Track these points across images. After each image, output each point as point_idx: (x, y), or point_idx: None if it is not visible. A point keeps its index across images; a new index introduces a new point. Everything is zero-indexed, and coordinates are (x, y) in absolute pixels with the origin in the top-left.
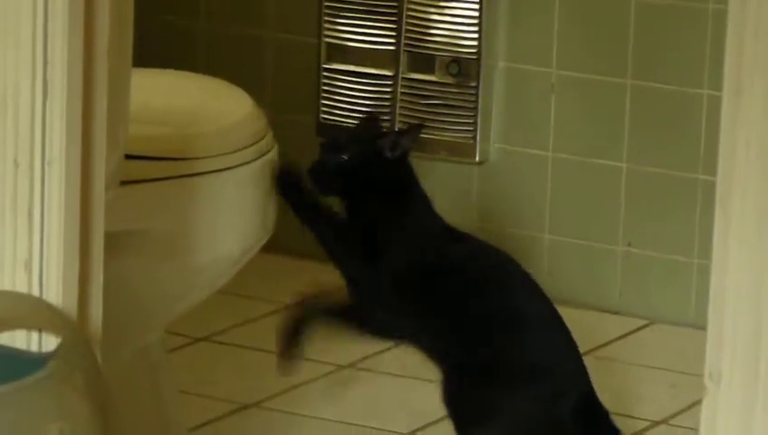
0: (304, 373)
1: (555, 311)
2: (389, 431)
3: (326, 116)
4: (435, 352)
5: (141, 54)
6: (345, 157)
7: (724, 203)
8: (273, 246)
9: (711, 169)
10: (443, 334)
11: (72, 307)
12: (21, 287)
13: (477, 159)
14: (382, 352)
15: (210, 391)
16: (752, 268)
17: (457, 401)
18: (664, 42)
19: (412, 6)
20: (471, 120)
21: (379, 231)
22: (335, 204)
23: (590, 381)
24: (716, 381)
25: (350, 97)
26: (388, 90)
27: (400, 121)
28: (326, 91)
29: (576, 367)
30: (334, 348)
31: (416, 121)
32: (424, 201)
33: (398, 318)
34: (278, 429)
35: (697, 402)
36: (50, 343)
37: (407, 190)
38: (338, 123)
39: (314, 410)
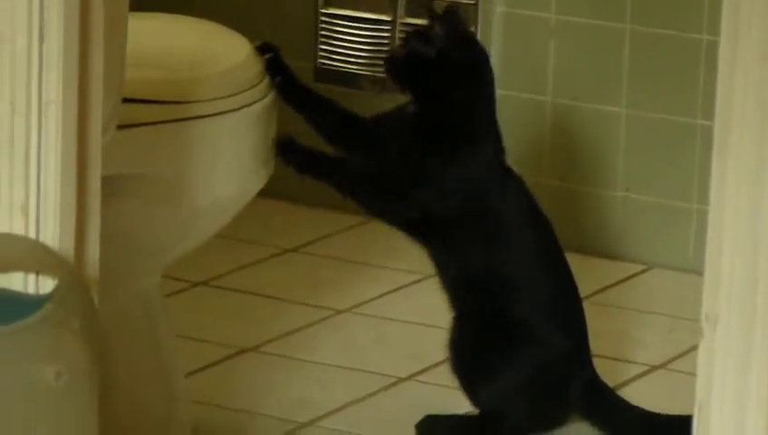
0: (302, 317)
1: (572, 277)
2: (389, 376)
3: (324, 61)
4: (447, 284)
5: (138, 3)
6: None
7: (722, 148)
8: (271, 191)
9: (710, 114)
10: (455, 263)
11: (68, 250)
12: (18, 230)
13: None
14: (380, 296)
15: (208, 336)
16: (749, 212)
17: (463, 357)
18: None
19: None
20: None
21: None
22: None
23: (589, 360)
24: (713, 323)
25: (349, 42)
26: (385, 35)
27: None
28: (324, 36)
29: (582, 344)
30: (332, 293)
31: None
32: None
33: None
34: (276, 373)
35: (696, 347)
36: (47, 285)
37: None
38: (336, 69)
39: (312, 355)
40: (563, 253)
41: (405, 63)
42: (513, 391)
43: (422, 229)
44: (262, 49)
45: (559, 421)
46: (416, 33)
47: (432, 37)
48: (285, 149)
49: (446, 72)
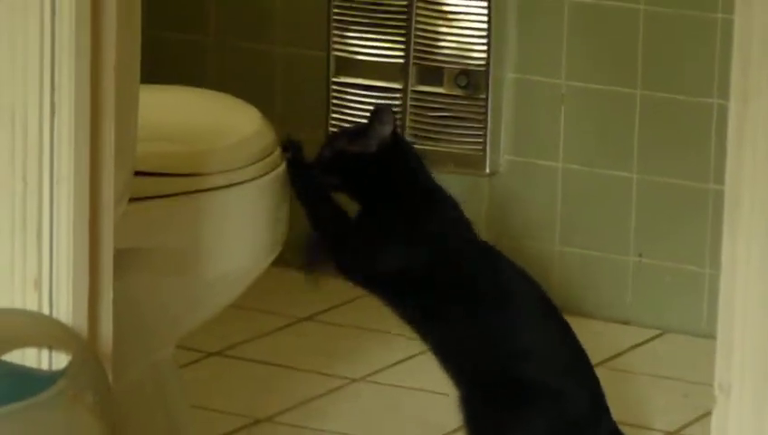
0: (317, 386)
1: (570, 328)
2: None
3: (335, 130)
4: (441, 356)
5: (150, 71)
6: (354, 145)
7: (733, 211)
8: (284, 260)
9: (722, 178)
10: (453, 344)
11: (82, 325)
12: (31, 305)
13: (487, 170)
14: (395, 364)
15: (222, 406)
16: (761, 278)
17: (476, 420)
18: (673, 52)
19: (420, 19)
20: (480, 132)
21: (392, 231)
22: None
23: (607, 407)
24: (726, 391)
25: (360, 110)
26: (397, 102)
27: (410, 134)
28: (335, 105)
29: (596, 391)
30: (347, 361)
31: (424, 134)
32: (437, 199)
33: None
34: None
35: (710, 412)
36: (60, 360)
37: (420, 185)
38: None
39: (327, 424)
40: (555, 306)
41: (331, 164)
42: None
43: (411, 313)
44: (285, 146)
45: None
46: (337, 134)
47: (354, 135)
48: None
49: (378, 165)
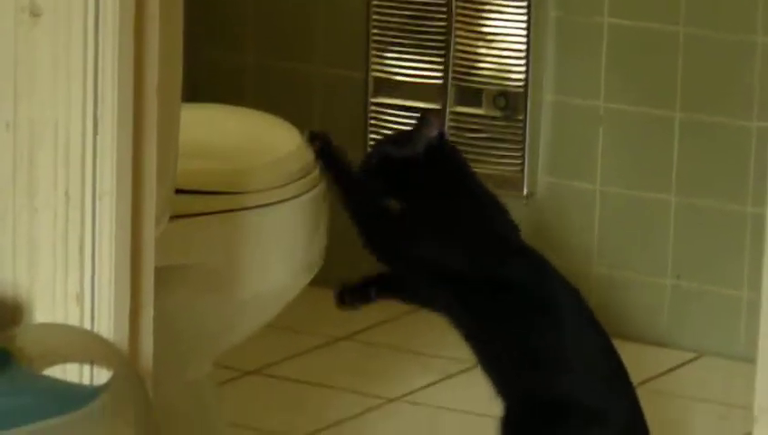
0: (353, 406)
1: (615, 349)
2: None
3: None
4: (490, 370)
5: (191, 90)
6: (401, 150)
7: None
8: (323, 279)
9: (761, 201)
10: (497, 353)
11: (123, 340)
12: (73, 320)
13: (525, 192)
14: (431, 384)
15: (260, 425)
16: None
17: None
18: (712, 74)
19: (459, 40)
20: (518, 154)
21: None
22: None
23: (647, 428)
24: (766, 413)
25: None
26: None
27: None
28: (373, 126)
29: (636, 414)
30: (383, 381)
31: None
32: (486, 203)
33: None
34: None
35: None
36: (101, 376)
37: (468, 188)
38: None
39: None
40: (597, 320)
41: (378, 169)
42: None
43: (458, 313)
44: (312, 138)
45: None
46: (383, 140)
47: (404, 141)
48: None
49: (424, 170)
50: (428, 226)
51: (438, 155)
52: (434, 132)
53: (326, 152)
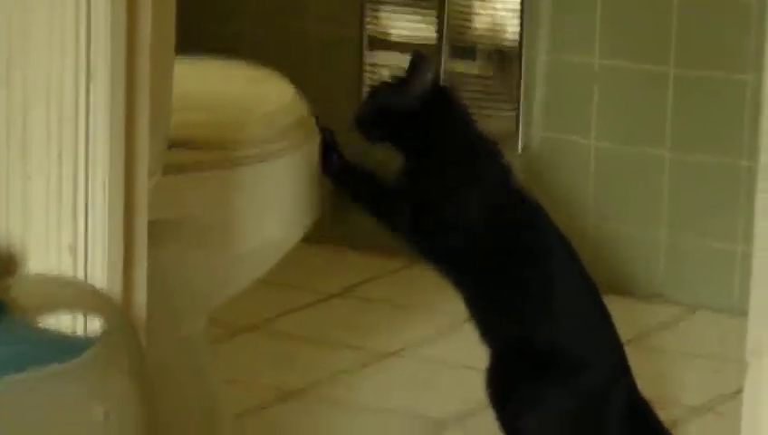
0: (348, 361)
1: (602, 301)
2: (434, 419)
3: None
4: (478, 318)
5: (184, 47)
6: (397, 96)
7: (766, 184)
8: (317, 236)
9: (755, 155)
10: (487, 298)
11: (116, 291)
12: (66, 271)
13: (520, 149)
14: (425, 339)
15: (254, 380)
16: None
17: (500, 388)
18: (707, 29)
19: None
20: (513, 111)
21: (440, 187)
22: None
23: (633, 379)
24: (758, 356)
25: None
26: None
27: None
28: (369, 84)
29: (620, 363)
30: (378, 336)
31: None
32: (483, 146)
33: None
34: (322, 416)
35: (741, 389)
36: (95, 326)
37: (464, 134)
38: None
39: (357, 398)
40: (586, 272)
41: (375, 116)
42: (555, 422)
43: (448, 264)
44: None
45: None
46: (379, 87)
47: (399, 87)
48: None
49: (422, 117)
50: (432, 192)
51: (434, 102)
52: (428, 78)
53: (327, 153)
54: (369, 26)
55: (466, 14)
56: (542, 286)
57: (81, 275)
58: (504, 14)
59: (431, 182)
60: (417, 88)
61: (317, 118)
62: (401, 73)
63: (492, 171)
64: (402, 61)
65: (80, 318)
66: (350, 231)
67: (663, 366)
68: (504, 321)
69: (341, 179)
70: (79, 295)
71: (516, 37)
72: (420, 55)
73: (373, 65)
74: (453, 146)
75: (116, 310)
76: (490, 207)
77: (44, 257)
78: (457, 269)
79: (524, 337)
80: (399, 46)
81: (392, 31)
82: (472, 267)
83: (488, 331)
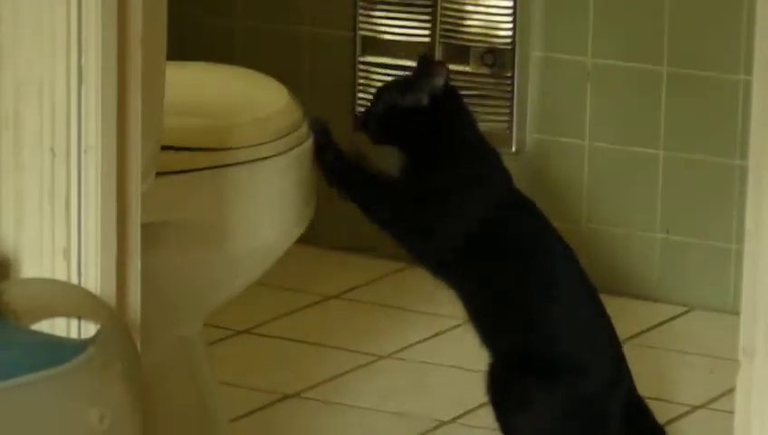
0: (344, 363)
1: (601, 303)
2: (431, 419)
3: (362, 109)
4: (477, 320)
5: (178, 51)
6: (407, 99)
7: (757, 182)
8: (313, 238)
9: (748, 154)
10: (489, 308)
11: (110, 294)
12: (60, 275)
13: (513, 149)
14: (421, 341)
15: (250, 382)
16: None
17: (499, 388)
18: (699, 28)
19: None
20: (506, 111)
21: (441, 188)
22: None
23: (632, 379)
24: (750, 356)
25: None
26: None
27: None
28: (361, 84)
29: (619, 364)
30: (373, 338)
31: None
32: (485, 153)
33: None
34: (319, 418)
35: (736, 387)
36: (89, 330)
37: (468, 139)
38: None
39: (354, 400)
40: (585, 274)
41: (383, 118)
42: (555, 423)
43: (445, 266)
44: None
45: None
46: (387, 87)
47: (399, 88)
48: (322, 151)
49: (431, 117)
50: (435, 192)
51: (443, 105)
52: (440, 81)
53: (324, 149)
54: (362, 27)
55: (459, 15)
56: (542, 288)
57: (74, 278)
58: (496, 14)
59: (434, 182)
60: (428, 89)
61: (310, 120)
62: (409, 75)
63: (494, 174)
64: (395, 62)
65: (74, 322)
66: (346, 233)
67: (659, 366)
68: (504, 323)
69: (337, 176)
70: (73, 299)
71: (509, 37)
72: (428, 57)
73: (366, 66)
74: (458, 147)
75: (110, 313)
76: (491, 210)
77: (38, 261)
78: (455, 270)
79: (524, 339)
80: (393, 47)
81: (385, 31)
82: (470, 268)
83: (487, 333)
